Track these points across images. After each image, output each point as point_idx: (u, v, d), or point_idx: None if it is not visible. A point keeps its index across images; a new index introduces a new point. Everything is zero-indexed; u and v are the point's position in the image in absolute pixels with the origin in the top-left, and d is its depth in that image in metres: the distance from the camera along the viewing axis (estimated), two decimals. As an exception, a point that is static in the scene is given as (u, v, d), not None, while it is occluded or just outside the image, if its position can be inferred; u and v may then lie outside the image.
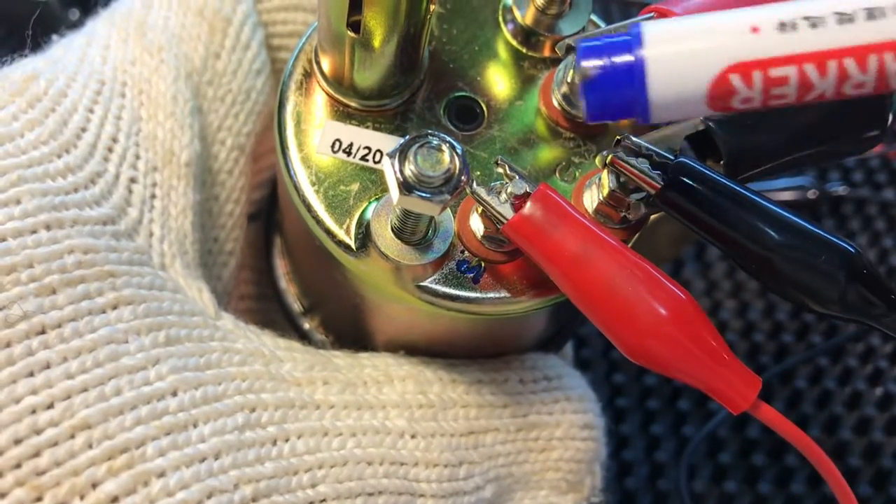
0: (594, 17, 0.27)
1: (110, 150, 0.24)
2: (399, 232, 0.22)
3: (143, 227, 0.24)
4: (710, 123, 0.25)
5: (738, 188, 0.22)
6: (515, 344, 0.29)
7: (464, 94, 0.26)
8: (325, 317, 0.30)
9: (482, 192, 0.21)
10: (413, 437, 0.25)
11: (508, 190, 0.21)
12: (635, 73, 0.19)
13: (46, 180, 0.22)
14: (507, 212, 0.21)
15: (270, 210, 0.33)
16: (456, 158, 0.20)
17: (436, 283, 0.23)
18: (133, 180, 0.24)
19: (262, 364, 0.24)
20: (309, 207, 0.24)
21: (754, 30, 0.19)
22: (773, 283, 0.22)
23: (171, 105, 0.25)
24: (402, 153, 0.20)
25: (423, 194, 0.19)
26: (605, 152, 0.22)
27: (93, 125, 0.24)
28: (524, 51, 0.26)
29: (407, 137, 0.20)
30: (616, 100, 0.19)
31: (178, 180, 0.25)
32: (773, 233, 0.22)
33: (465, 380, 0.26)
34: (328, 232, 0.23)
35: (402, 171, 0.20)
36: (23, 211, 0.21)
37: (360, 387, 0.25)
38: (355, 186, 0.24)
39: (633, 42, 0.19)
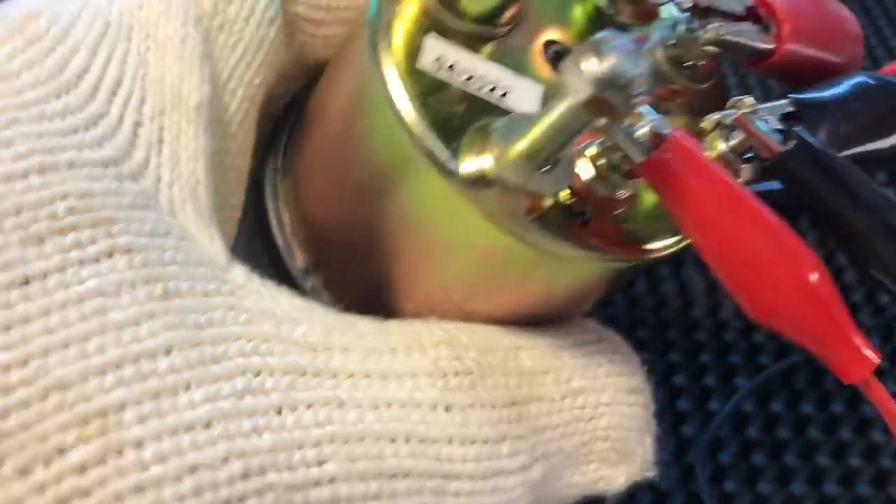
0: None
1: (114, 92, 0.22)
2: (529, 156, 0.20)
3: (150, 171, 0.22)
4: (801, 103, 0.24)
5: (853, 166, 0.22)
6: (576, 308, 0.27)
7: (557, 38, 0.24)
8: (338, 277, 0.28)
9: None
10: (447, 409, 0.22)
11: (646, 128, 0.20)
12: None
13: (42, 122, 0.20)
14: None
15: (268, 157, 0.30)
16: (646, 61, 0.18)
17: (545, 224, 0.21)
18: (138, 123, 0.22)
19: (273, 325, 0.21)
20: (408, 126, 0.21)
21: None
22: (875, 264, 0.22)
23: (180, 48, 0.23)
24: (595, 48, 0.17)
25: (614, 95, 0.17)
26: (717, 114, 0.22)
27: (95, 67, 0.22)
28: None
29: (601, 33, 0.18)
30: None
31: (188, 124, 0.23)
32: (883, 211, 0.22)
33: (503, 345, 0.24)
34: (430, 154, 0.21)
35: (595, 68, 0.17)
36: (14, 154, 0.19)
37: (387, 354, 0.22)
38: (460, 107, 0.22)
39: None
